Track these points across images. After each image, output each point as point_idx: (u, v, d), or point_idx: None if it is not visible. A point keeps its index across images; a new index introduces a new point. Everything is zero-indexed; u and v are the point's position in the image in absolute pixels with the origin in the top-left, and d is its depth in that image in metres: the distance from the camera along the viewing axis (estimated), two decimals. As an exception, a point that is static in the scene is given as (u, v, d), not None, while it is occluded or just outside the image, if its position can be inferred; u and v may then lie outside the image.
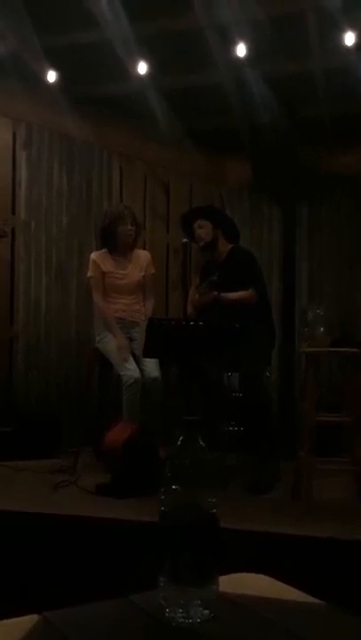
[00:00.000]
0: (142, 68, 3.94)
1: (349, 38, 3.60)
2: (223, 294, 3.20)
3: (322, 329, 2.76)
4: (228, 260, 3.38)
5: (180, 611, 0.76)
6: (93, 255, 3.67)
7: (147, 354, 3.17)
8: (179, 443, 0.80)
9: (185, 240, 3.27)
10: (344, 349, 2.82)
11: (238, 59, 3.83)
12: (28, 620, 0.79)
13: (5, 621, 0.79)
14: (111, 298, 3.61)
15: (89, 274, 3.64)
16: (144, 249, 3.99)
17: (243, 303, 3.20)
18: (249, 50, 3.75)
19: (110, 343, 3.48)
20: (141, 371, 3.38)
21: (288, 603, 0.85)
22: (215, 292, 3.21)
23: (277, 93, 4.16)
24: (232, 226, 3.57)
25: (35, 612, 0.81)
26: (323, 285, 4.92)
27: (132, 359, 3.42)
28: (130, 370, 3.36)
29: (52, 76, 4.01)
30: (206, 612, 0.77)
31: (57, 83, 4.03)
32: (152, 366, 3.41)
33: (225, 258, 3.40)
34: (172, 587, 0.77)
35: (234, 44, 3.75)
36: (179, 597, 0.76)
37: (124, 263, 3.63)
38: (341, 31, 3.59)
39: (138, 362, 3.42)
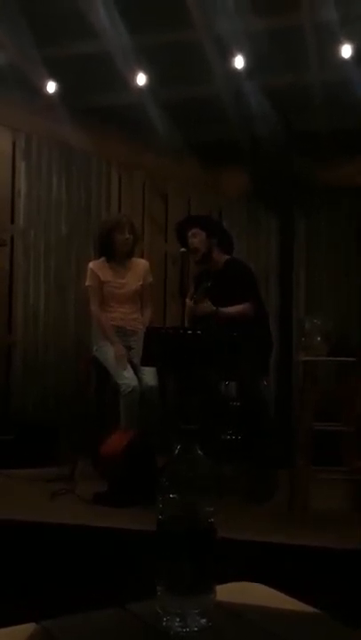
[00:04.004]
0: (141, 79, 3.97)
1: (347, 51, 3.64)
2: (221, 309, 3.20)
3: (319, 338, 2.77)
4: (224, 272, 3.38)
5: (178, 620, 0.76)
6: (91, 264, 3.68)
7: (144, 362, 3.17)
8: (176, 452, 0.81)
9: (183, 249, 3.28)
10: (342, 358, 2.83)
11: (236, 70, 3.86)
12: (25, 629, 0.79)
13: (3, 630, 0.79)
14: (109, 307, 3.61)
15: (87, 283, 3.65)
16: (142, 258, 4.01)
17: (240, 317, 3.21)
18: (247, 62, 3.78)
19: (108, 352, 3.48)
20: (139, 379, 3.38)
21: (285, 612, 0.86)
22: (214, 307, 3.21)
23: (275, 105, 4.19)
24: (227, 236, 3.58)
25: (32, 620, 0.81)
26: (320, 295, 4.93)
27: (129, 368, 3.42)
28: (127, 378, 3.36)
29: (51, 87, 4.04)
30: (203, 620, 0.77)
31: (56, 93, 4.06)
32: (150, 375, 3.41)
33: (221, 269, 3.40)
34: (170, 595, 0.77)
35: (232, 55, 3.79)
36: (176, 606, 0.76)
37: (122, 272, 3.64)
38: (339, 43, 3.63)
39: (136, 370, 3.42)
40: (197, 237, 3.38)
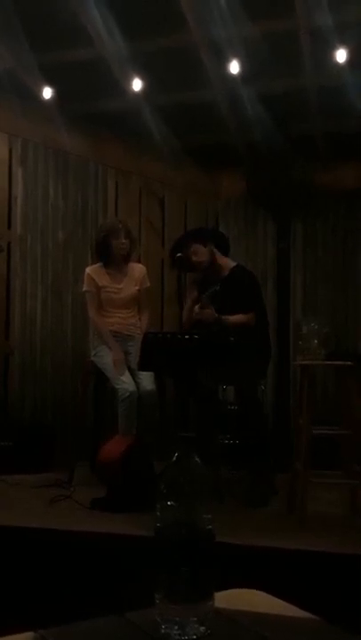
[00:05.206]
0: (137, 84, 3.98)
1: (341, 55, 3.66)
2: (224, 317, 3.18)
3: (316, 342, 2.77)
4: (229, 279, 3.33)
5: (176, 627, 0.76)
6: (88, 269, 3.68)
7: (142, 367, 3.17)
8: (174, 458, 0.81)
9: (179, 254, 3.27)
10: (339, 362, 2.83)
11: (232, 75, 3.88)
12: (22, 638, 0.78)
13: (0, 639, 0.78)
14: (107, 312, 3.61)
15: (84, 288, 3.65)
16: (139, 262, 4.01)
17: (242, 326, 3.18)
18: (243, 67, 3.79)
19: (106, 357, 3.48)
20: (137, 384, 3.38)
21: (284, 619, 0.85)
22: (216, 315, 3.18)
23: (271, 110, 4.21)
24: (223, 238, 3.57)
25: (29, 629, 0.80)
26: (317, 298, 4.94)
27: (127, 372, 3.42)
28: (125, 383, 3.35)
29: (47, 93, 4.05)
30: (202, 628, 0.76)
31: (53, 99, 4.07)
32: (147, 379, 3.41)
33: (227, 275, 3.35)
34: (168, 603, 0.77)
35: (228, 61, 3.80)
36: (174, 614, 0.76)
37: (119, 277, 3.64)
38: (334, 48, 3.64)
39: (133, 375, 3.42)
40: (199, 252, 3.33)
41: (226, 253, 3.50)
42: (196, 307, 3.25)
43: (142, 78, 3.96)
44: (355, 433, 2.72)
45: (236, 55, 3.76)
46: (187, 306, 3.33)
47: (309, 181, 4.72)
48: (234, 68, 3.80)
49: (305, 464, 2.66)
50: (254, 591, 0.93)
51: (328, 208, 4.92)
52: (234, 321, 3.18)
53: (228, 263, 3.41)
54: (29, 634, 0.79)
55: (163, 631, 0.76)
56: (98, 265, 3.67)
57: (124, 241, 3.59)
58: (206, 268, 3.36)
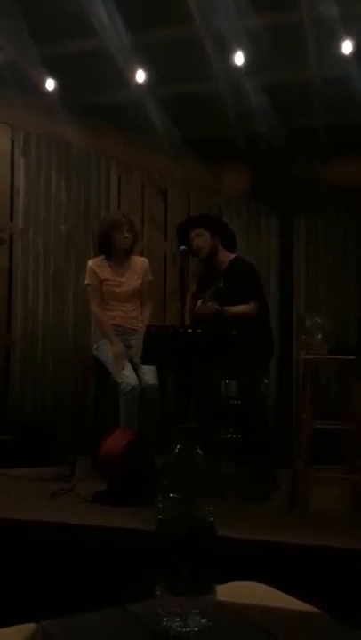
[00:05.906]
0: (140, 76, 3.96)
1: (346, 47, 3.63)
2: (226, 308, 3.17)
3: (320, 336, 2.77)
4: (229, 271, 3.34)
5: (178, 620, 0.76)
6: (91, 262, 3.67)
7: (144, 361, 3.16)
8: (176, 451, 0.80)
9: (183, 247, 3.26)
10: (341, 357, 2.82)
11: (236, 68, 3.86)
12: (24, 629, 0.78)
13: (2, 630, 0.78)
14: (109, 305, 3.61)
15: (86, 281, 3.64)
16: (142, 256, 4.00)
17: (244, 316, 3.18)
18: (247, 59, 3.77)
19: (108, 350, 3.48)
20: (139, 378, 3.38)
21: (286, 612, 0.85)
22: (218, 307, 3.17)
23: (275, 103, 4.19)
24: (230, 233, 3.56)
25: (31, 620, 0.80)
26: (320, 293, 4.93)
27: (129, 366, 3.42)
28: (127, 377, 3.35)
29: (50, 85, 4.03)
30: (204, 620, 0.76)
31: (55, 91, 4.05)
32: (150, 373, 3.40)
33: (227, 268, 3.36)
34: (170, 595, 0.76)
35: (232, 53, 3.78)
36: (176, 606, 0.76)
37: (121, 270, 3.63)
38: (339, 40, 3.62)
39: (135, 369, 3.41)
40: (202, 238, 3.33)
41: (232, 249, 3.50)
42: (200, 301, 3.25)
43: (145, 70, 3.94)
44: (356, 429, 2.71)
45: (239, 47, 3.73)
46: (187, 301, 3.32)
47: (309, 179, 4.70)
48: (237, 59, 3.78)
49: (306, 460, 2.66)
50: (256, 584, 0.93)
51: (331, 202, 4.90)
52: (236, 311, 3.18)
53: (228, 257, 3.41)
54: (31, 625, 0.79)
55: (164, 623, 0.76)
56: (100, 258, 3.67)
57: (127, 235, 3.58)
58: (206, 259, 3.36)
